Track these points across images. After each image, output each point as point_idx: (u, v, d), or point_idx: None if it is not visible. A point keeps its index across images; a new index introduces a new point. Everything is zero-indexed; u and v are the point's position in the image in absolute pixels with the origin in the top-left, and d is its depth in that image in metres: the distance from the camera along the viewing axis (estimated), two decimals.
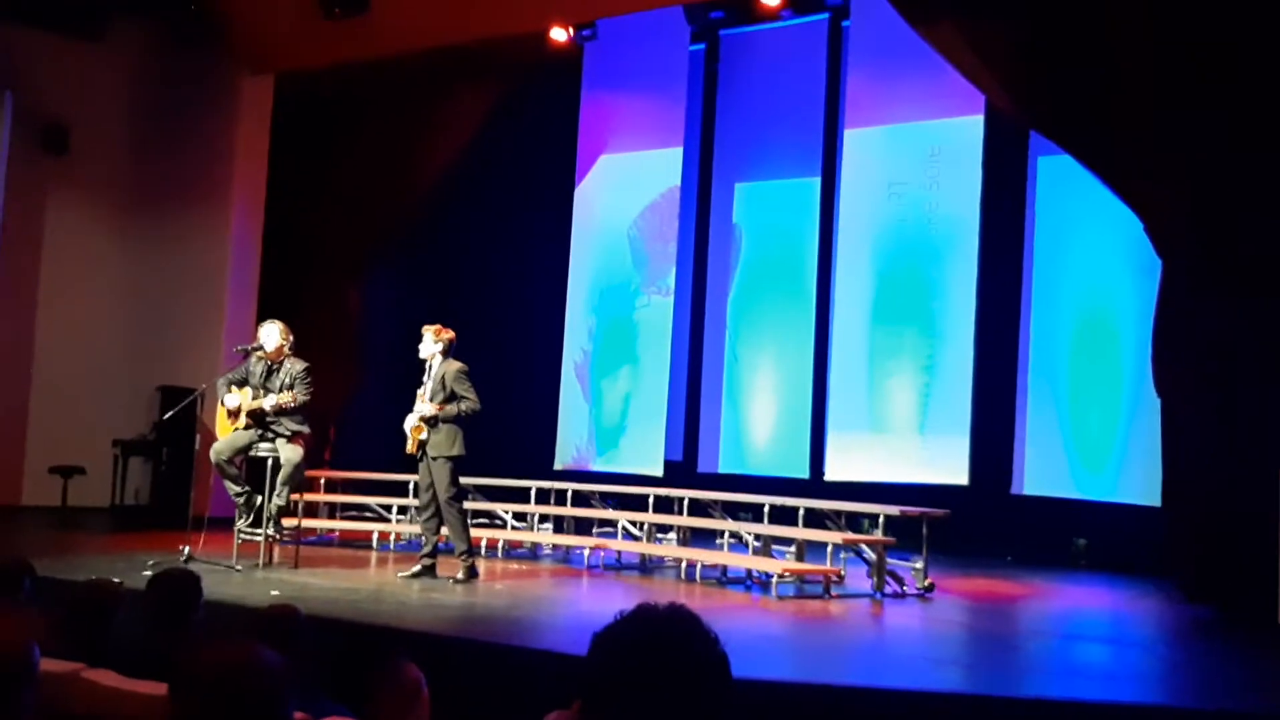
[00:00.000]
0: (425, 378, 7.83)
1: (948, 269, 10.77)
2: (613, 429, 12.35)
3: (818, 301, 11.59)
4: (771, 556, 8.58)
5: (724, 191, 12.47)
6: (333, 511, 10.59)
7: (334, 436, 11.53)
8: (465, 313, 11.37)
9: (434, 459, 7.64)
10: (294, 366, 7.85)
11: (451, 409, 7.63)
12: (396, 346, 12.44)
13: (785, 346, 11.82)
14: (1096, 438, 10.05)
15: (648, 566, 8.96)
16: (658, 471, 11.57)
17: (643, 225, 12.42)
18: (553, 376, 12.69)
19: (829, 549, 8.20)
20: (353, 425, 11.76)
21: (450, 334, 7.84)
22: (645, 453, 11.93)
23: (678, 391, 12.25)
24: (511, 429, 11.58)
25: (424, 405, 7.68)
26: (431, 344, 7.78)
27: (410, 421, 7.74)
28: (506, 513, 10.08)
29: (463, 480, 8.09)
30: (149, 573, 4.67)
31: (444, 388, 7.65)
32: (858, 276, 11.22)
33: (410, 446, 7.76)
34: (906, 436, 10.87)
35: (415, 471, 8.01)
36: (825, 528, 8.57)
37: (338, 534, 9.98)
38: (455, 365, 7.73)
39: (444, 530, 7.77)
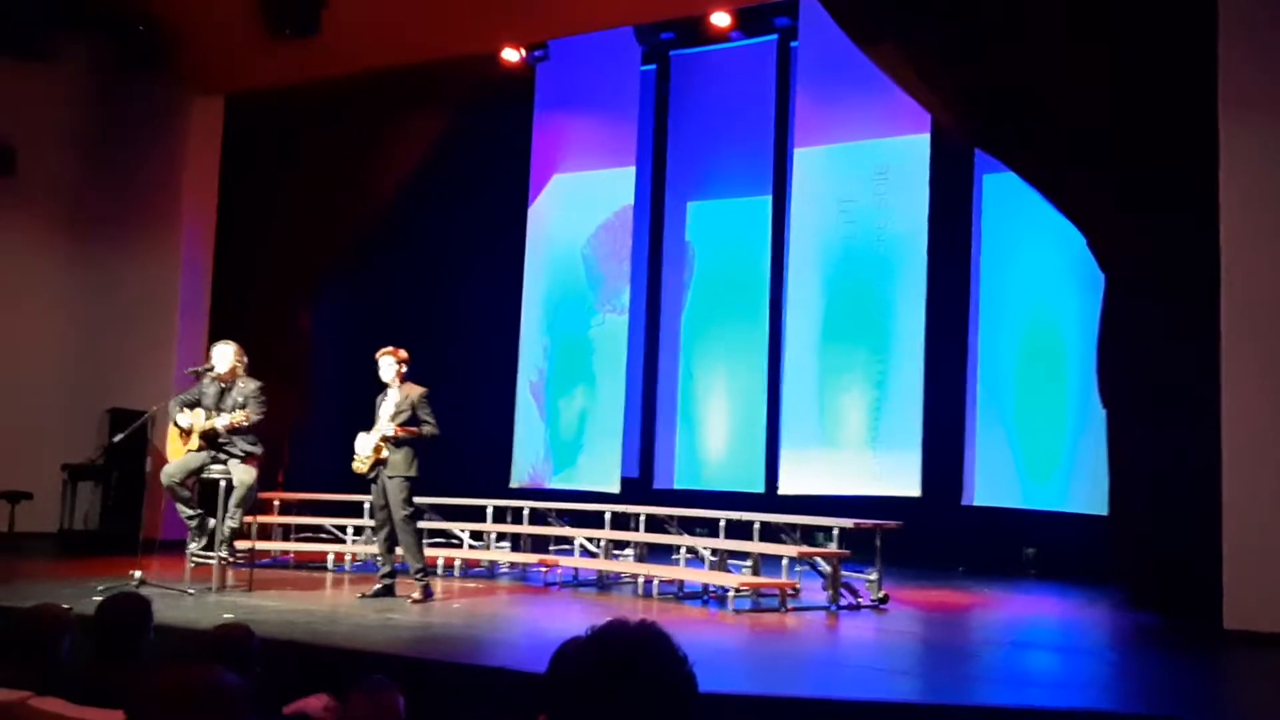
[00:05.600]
0: (382, 399, 7.82)
1: (897, 285, 10.93)
2: (569, 447, 12.37)
3: (770, 318, 11.71)
4: (727, 571, 8.64)
5: (676, 210, 12.56)
6: (287, 533, 10.49)
7: (288, 458, 11.43)
8: (419, 333, 11.32)
9: (390, 478, 7.66)
10: (247, 386, 7.81)
11: (415, 431, 7.66)
12: (349, 367, 12.35)
13: (738, 363, 11.92)
14: (1044, 449, 10.22)
15: (605, 583, 8.97)
16: (614, 489, 11.59)
17: (596, 244, 12.48)
18: (508, 395, 12.69)
19: (784, 562, 8.26)
20: (306, 446, 11.66)
21: (404, 354, 7.86)
22: (602, 470, 11.95)
23: (633, 409, 12.30)
24: (467, 448, 11.54)
25: (386, 425, 7.67)
26: (392, 367, 7.78)
27: (370, 442, 7.72)
28: (463, 531, 10.06)
29: (419, 499, 8.11)
30: (98, 598, 4.63)
31: (408, 409, 7.67)
32: (809, 293, 11.35)
33: (364, 467, 7.74)
34: (859, 450, 11.00)
35: (370, 492, 7.98)
36: (780, 541, 8.64)
37: (292, 556, 9.90)
38: (419, 389, 7.78)
39: (399, 550, 7.76)
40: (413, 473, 7.68)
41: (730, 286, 12.08)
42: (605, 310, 12.35)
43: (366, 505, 10.08)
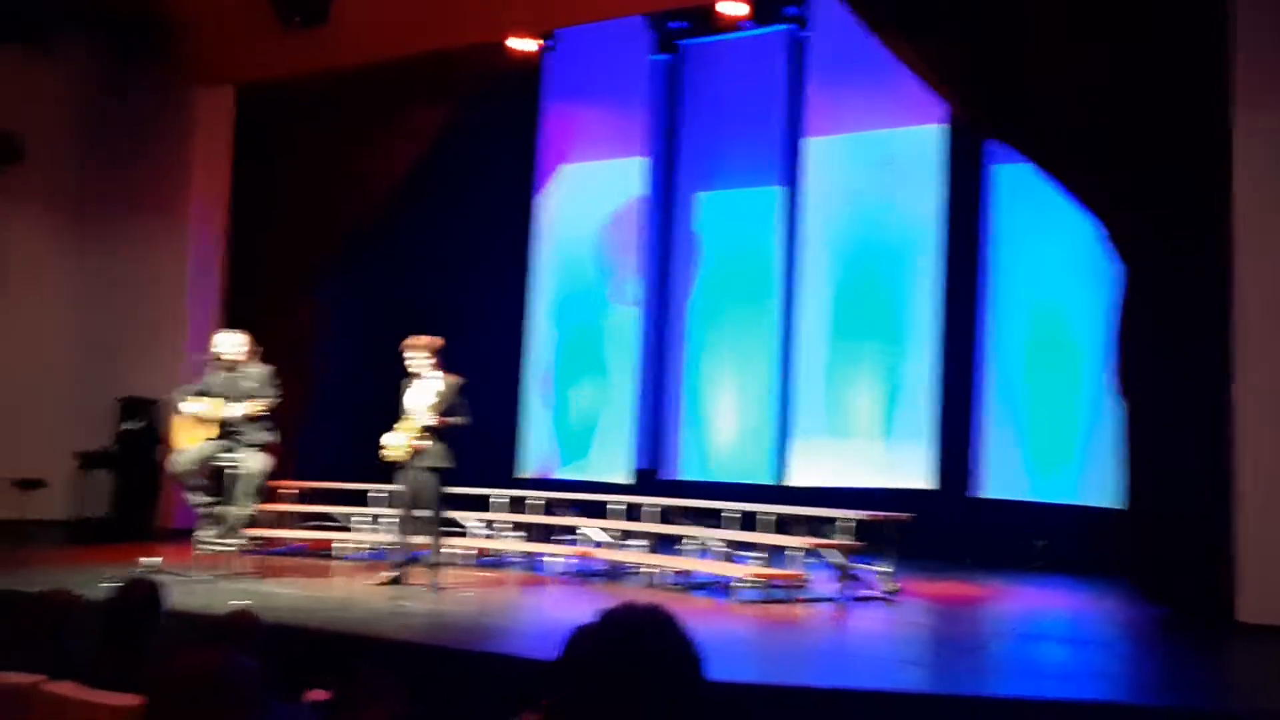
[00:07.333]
0: (410, 387, 7.76)
1: (909, 276, 10.89)
2: (579, 438, 12.37)
3: (781, 309, 11.68)
4: (737, 562, 8.63)
5: (686, 201, 12.53)
6: (297, 521, 10.51)
7: (297, 446, 11.43)
8: (426, 323, 11.26)
9: (429, 469, 7.63)
10: (259, 372, 7.81)
11: (455, 420, 7.65)
12: (358, 356, 12.40)
13: (749, 353, 11.89)
14: (1055, 441, 10.19)
15: (615, 573, 8.97)
16: (625, 479, 11.59)
17: (606, 235, 12.46)
18: (516, 386, 12.68)
19: (794, 554, 8.25)
20: (316, 434, 11.68)
21: (440, 341, 7.82)
22: (612, 461, 11.95)
23: (643, 400, 12.29)
24: (475, 438, 11.53)
25: (426, 415, 7.62)
26: (427, 357, 7.74)
27: (408, 434, 7.67)
28: (476, 521, 10.06)
29: None
30: (110, 584, 4.63)
31: (450, 399, 7.63)
32: (820, 284, 11.32)
33: (403, 455, 7.67)
34: (870, 441, 10.98)
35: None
36: (791, 533, 8.63)
37: (303, 544, 9.91)
38: (457, 378, 7.75)
39: (416, 539, 7.76)
40: (451, 464, 7.69)
41: (740, 277, 12.05)
42: (615, 301, 12.34)
43: (372, 494, 10.11)
